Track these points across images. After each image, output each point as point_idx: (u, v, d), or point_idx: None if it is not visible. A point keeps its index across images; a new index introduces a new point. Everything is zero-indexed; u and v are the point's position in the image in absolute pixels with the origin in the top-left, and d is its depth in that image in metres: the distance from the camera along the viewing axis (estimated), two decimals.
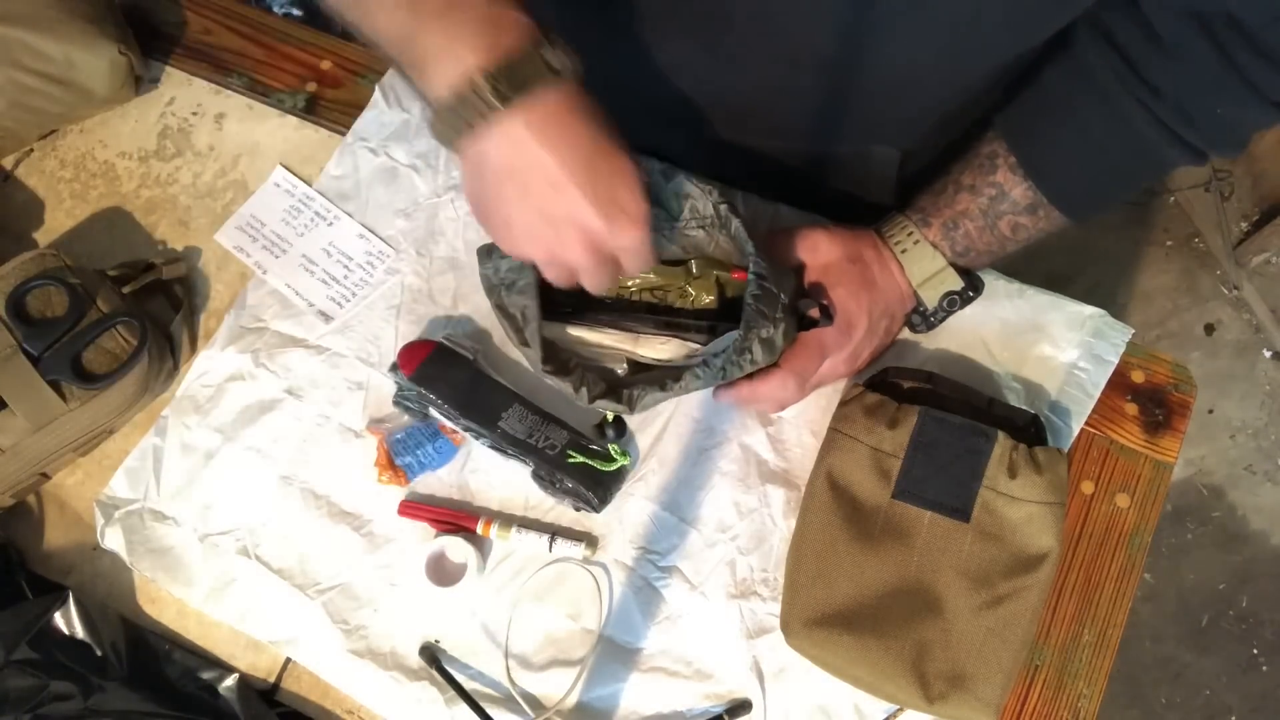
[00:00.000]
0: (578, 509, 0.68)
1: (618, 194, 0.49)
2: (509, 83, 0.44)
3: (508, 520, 0.69)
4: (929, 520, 0.62)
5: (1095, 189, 0.63)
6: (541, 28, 0.46)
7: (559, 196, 0.48)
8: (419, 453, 0.70)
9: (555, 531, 0.68)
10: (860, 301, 0.65)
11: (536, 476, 0.68)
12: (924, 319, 0.70)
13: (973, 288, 0.68)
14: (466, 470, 0.71)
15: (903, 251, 0.67)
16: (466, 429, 0.68)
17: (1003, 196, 0.63)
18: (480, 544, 0.68)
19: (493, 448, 0.68)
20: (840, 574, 0.62)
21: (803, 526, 0.64)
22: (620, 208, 0.49)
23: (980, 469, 0.62)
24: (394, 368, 0.68)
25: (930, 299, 0.68)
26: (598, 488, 0.66)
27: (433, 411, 0.68)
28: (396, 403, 0.70)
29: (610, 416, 0.68)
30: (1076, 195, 0.63)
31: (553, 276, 0.54)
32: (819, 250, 0.67)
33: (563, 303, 0.65)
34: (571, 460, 0.66)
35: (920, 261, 0.66)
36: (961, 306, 0.69)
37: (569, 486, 0.66)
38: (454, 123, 0.46)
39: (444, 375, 0.68)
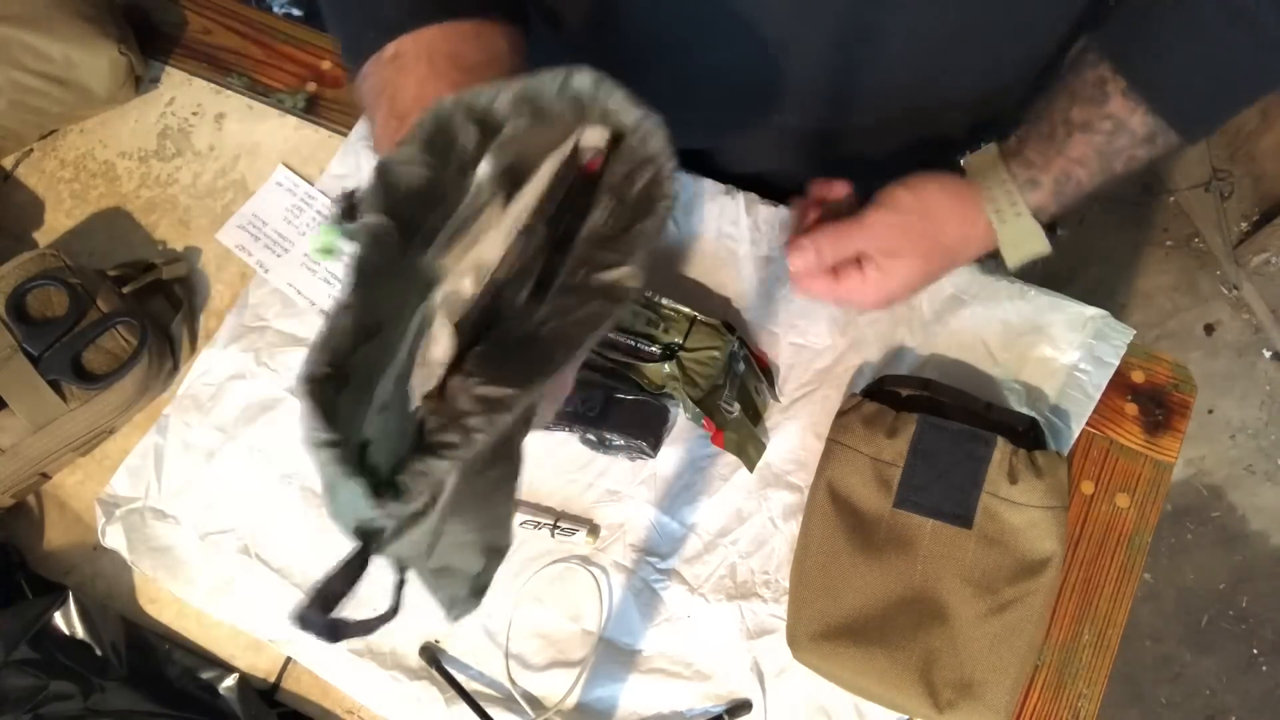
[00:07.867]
0: (633, 459, 0.69)
1: None
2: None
3: None
4: (931, 528, 0.62)
5: (1218, 101, 0.55)
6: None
7: None
8: None
9: (557, 517, 0.68)
10: (913, 241, 0.58)
11: (585, 440, 0.68)
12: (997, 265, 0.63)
13: (1053, 231, 0.60)
14: None
15: (1001, 222, 0.58)
16: None
17: (1121, 129, 0.55)
18: None
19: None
20: (845, 586, 0.62)
21: (805, 539, 0.64)
22: None
23: (980, 475, 0.62)
24: None
25: (1012, 260, 0.60)
26: (646, 433, 0.66)
27: None
28: None
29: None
30: (1198, 112, 0.55)
31: None
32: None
33: None
34: (623, 400, 0.66)
35: (1018, 235, 0.58)
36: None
37: (619, 444, 0.66)
38: None
39: None
